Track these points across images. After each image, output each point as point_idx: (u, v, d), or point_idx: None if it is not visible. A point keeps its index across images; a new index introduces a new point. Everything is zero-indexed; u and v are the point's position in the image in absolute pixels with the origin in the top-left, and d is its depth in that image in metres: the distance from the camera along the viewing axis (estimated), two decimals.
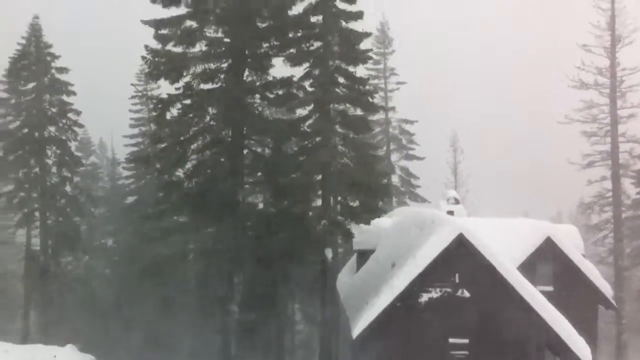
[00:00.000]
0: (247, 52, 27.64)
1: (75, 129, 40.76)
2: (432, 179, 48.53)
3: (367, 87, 30.04)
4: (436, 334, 24.53)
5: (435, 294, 24.81)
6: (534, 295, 24.94)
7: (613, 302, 32.17)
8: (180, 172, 28.43)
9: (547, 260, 30.55)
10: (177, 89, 27.27)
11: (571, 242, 31.75)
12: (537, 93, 76.63)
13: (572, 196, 54.23)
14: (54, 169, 40.65)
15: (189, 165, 28.25)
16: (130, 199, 44.14)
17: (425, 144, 47.93)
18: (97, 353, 29.48)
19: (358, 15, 27.74)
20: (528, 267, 29.10)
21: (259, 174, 28.66)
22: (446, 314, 24.53)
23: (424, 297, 24.72)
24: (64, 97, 40.05)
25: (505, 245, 27.61)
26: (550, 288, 29.46)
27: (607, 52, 43.28)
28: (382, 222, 28.62)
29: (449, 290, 24.88)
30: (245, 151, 28.13)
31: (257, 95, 28.51)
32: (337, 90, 28.55)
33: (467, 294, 24.85)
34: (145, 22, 26.74)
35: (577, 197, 53.60)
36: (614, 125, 43.47)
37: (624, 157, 43.95)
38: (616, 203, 43.30)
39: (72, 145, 41.43)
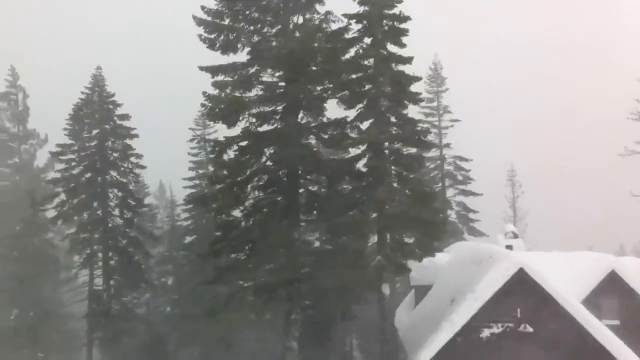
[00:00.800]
0: (301, 95, 28.22)
1: (137, 171, 42.11)
2: (491, 214, 48.19)
3: (419, 127, 30.26)
4: None
5: (497, 329, 24.57)
6: (600, 329, 24.45)
7: None
8: (237, 212, 28.98)
9: (612, 294, 29.75)
10: (234, 132, 28.01)
11: (636, 275, 30.99)
12: (598, 125, 75.54)
13: (635, 229, 52.96)
14: (115, 211, 41.95)
15: (246, 204, 28.80)
16: (189, 239, 45.09)
17: (482, 179, 47.78)
18: None
19: (408, 60, 28.14)
20: (592, 301, 28.44)
21: (314, 212, 28.98)
22: (509, 349, 24.31)
23: (486, 333, 24.51)
24: (127, 141, 41.52)
25: (567, 279, 27.17)
26: (616, 322, 28.70)
27: None
28: (440, 258, 28.56)
29: (510, 325, 24.61)
30: (300, 190, 28.55)
31: (312, 136, 29.03)
32: (390, 129, 28.82)
33: (530, 329, 24.52)
34: (203, 69, 27.67)
35: None
36: None
37: None
38: None
39: (132, 187, 42.73)
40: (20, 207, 42.76)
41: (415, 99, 29.13)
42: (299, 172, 28.25)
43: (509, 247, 29.47)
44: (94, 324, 41.02)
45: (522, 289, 24.51)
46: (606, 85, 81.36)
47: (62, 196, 41.26)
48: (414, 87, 28.92)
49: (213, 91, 28.01)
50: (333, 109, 29.15)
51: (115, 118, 41.47)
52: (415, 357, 24.14)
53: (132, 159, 41.83)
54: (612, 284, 29.74)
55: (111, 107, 41.41)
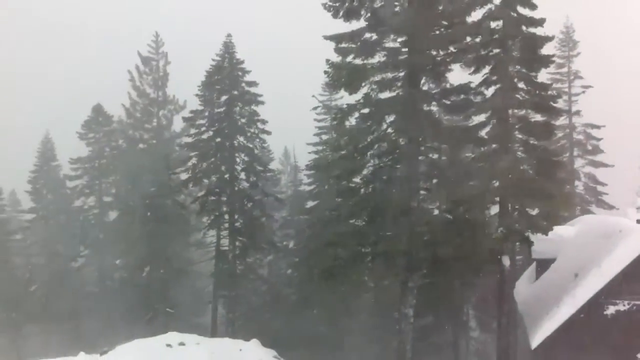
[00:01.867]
0: (424, 61, 27.86)
1: (263, 136, 43.42)
2: (622, 186, 45.62)
3: (549, 92, 29.07)
4: (623, 349, 23.58)
5: (623, 306, 23.69)
6: None
7: None
8: (357, 179, 29.28)
9: None
10: (356, 99, 28.15)
11: None
12: None
13: None
14: (242, 175, 43.52)
15: (365, 171, 29.01)
16: (311, 203, 46.10)
17: (615, 150, 45.29)
18: (279, 349, 31.04)
19: (539, 22, 27.02)
20: None
21: (434, 180, 28.74)
22: (635, 327, 23.50)
23: (611, 310, 23.72)
24: (254, 107, 42.85)
25: None
26: None
27: None
28: (564, 231, 27.66)
29: (638, 303, 23.63)
30: (420, 158, 28.36)
31: (434, 103, 28.65)
32: (517, 95, 27.93)
33: None
34: (327, 37, 27.91)
35: None
36: None
37: None
38: None
39: (258, 152, 44.13)
40: (156, 170, 45.15)
41: (547, 61, 27.93)
42: (420, 139, 27.98)
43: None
44: (220, 282, 42.92)
45: None
46: None
47: (194, 160, 43.12)
48: (545, 49, 27.83)
49: (336, 59, 28.23)
50: (457, 75, 28.58)
51: (244, 84, 42.67)
52: (535, 331, 23.80)
53: (259, 125, 43.07)
54: None
55: (240, 73, 42.63)
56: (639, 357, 23.54)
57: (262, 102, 42.71)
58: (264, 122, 43.02)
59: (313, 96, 44.24)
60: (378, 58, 28.12)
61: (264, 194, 44.25)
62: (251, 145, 43.34)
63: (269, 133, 43.39)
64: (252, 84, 42.73)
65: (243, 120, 43.12)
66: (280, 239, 49.89)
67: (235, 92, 42.64)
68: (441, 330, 28.67)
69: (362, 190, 28.88)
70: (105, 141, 50.50)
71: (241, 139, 43.12)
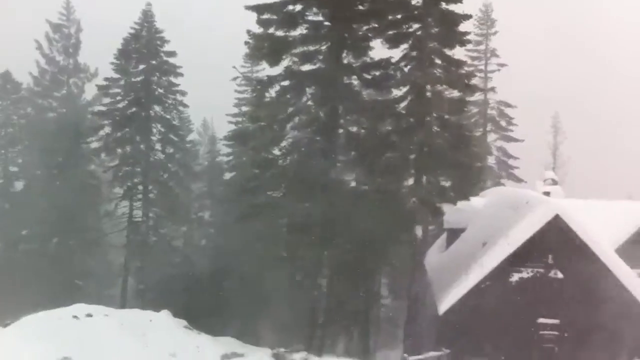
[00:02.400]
0: (346, 35, 28.21)
1: (180, 108, 42.89)
2: (531, 160, 47.91)
3: (465, 69, 30.05)
4: (525, 314, 24.87)
5: (527, 274, 25.01)
6: (631, 279, 24.76)
7: None
8: (276, 150, 29.45)
9: None
10: (278, 71, 28.24)
11: None
12: None
13: None
14: (157, 146, 42.91)
15: (284, 143, 29.21)
16: (228, 175, 45.97)
17: (525, 125, 47.43)
18: (191, 320, 30.93)
19: (457, 0, 27.83)
20: (627, 250, 28.46)
21: (353, 152, 29.24)
22: (537, 294, 24.86)
23: (515, 277, 24.97)
24: (172, 79, 42.18)
25: (604, 227, 27.18)
26: None
27: None
28: (475, 202, 28.81)
29: (541, 270, 25.01)
30: (340, 130, 28.81)
31: (354, 76, 29.08)
32: (434, 71, 28.76)
33: (560, 275, 24.91)
34: (249, 8, 27.76)
35: None
36: None
37: None
38: None
39: (176, 123, 43.57)
40: (65, 139, 43.79)
41: (463, 39, 28.85)
42: (339, 112, 28.44)
43: (547, 193, 29.53)
44: (132, 253, 42.33)
45: (556, 236, 24.81)
46: None
47: (107, 129, 42.16)
48: (463, 27, 28.62)
49: (258, 30, 28.18)
50: (378, 50, 29.15)
51: (162, 54, 41.93)
52: (443, 298, 24.74)
53: (177, 96, 42.56)
54: None
55: (159, 43, 41.84)
56: (539, 321, 24.98)
57: (181, 74, 42.16)
58: (182, 93, 42.55)
59: (234, 67, 43.91)
60: (300, 30, 28.26)
61: (180, 165, 43.78)
62: (168, 116, 42.83)
63: (186, 106, 42.93)
64: (171, 54, 42.04)
65: (161, 91, 42.44)
66: (197, 210, 49.53)
67: (154, 62, 41.85)
68: (354, 298, 29.35)
69: (280, 161, 29.07)
70: (12, 109, 48.30)
71: (158, 109, 42.49)
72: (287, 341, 29.61)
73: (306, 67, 28.64)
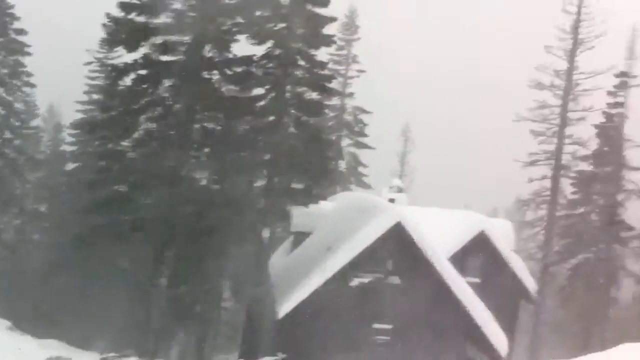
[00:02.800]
0: (210, 28, 27.85)
1: (25, 89, 40.48)
2: (380, 167, 49.56)
3: (326, 72, 30.50)
4: (362, 319, 25.48)
5: (366, 279, 25.76)
6: (461, 287, 26.29)
7: (535, 296, 33.95)
8: (126, 142, 28.49)
9: (478, 253, 31.79)
10: (134, 59, 27.42)
11: (504, 236, 33.17)
12: (498, 91, 78.16)
13: (510, 193, 55.91)
14: None
15: (136, 135, 28.13)
16: (72, 165, 43.68)
17: (377, 131, 48.85)
18: (17, 320, 29.12)
19: (324, 3, 28.15)
20: (460, 258, 30.30)
21: (206, 149, 28.80)
22: (373, 299, 25.52)
23: (355, 282, 25.46)
24: (19, 58, 39.74)
25: (441, 235, 28.63)
26: (477, 280, 30.91)
27: (567, 55, 44.69)
28: (323, 206, 29.32)
29: (380, 276, 25.82)
30: (195, 126, 28.34)
31: (215, 71, 28.75)
32: (295, 72, 28.97)
33: (396, 281, 25.98)
34: None
35: (514, 194, 55.47)
36: (562, 126, 45.06)
37: (567, 158, 45.68)
38: (552, 202, 45.13)
39: (19, 107, 41.12)
40: None
41: (328, 41, 29.31)
42: (196, 107, 28.03)
43: (392, 200, 30.74)
44: None
45: (396, 242, 25.72)
46: (512, 52, 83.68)
47: None
48: (327, 30, 28.89)
49: (118, 13, 27.26)
50: (241, 47, 29.00)
51: (11, 32, 39.19)
52: (283, 302, 24.83)
53: (23, 77, 40.18)
54: (480, 244, 31.83)
55: (8, 19, 38.98)
56: (374, 326, 25.98)
57: (29, 53, 39.82)
58: (29, 74, 40.20)
59: (87, 51, 41.90)
60: (163, 19, 27.59)
61: (19, 152, 41.25)
62: (11, 99, 40.21)
63: (33, 86, 40.61)
64: (21, 31, 39.39)
65: (5, 71, 39.67)
66: (33, 202, 46.80)
67: (1, 39, 39.10)
68: (194, 300, 28.73)
69: (130, 154, 28.18)
70: None
71: (1, 90, 39.71)
72: (121, 345, 28.78)
73: (166, 58, 28.01)
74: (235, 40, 28.50)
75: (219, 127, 28.26)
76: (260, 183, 28.56)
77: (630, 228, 45.61)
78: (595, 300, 41.94)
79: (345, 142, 48.33)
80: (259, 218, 27.08)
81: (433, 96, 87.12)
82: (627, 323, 38.80)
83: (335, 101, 46.17)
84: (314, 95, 29.89)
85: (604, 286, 43.94)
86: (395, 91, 78.43)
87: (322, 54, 30.07)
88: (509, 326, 28.99)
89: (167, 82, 27.84)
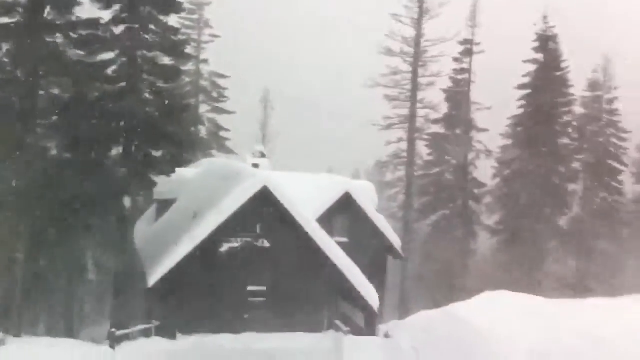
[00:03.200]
0: None
1: None
2: (242, 133, 49.08)
3: (179, 37, 29.44)
4: (235, 282, 25.43)
5: (236, 243, 25.53)
6: (330, 247, 26.46)
7: (401, 252, 34.94)
8: None
9: (344, 213, 32.41)
10: None
11: (367, 197, 33.88)
12: (351, 57, 79.04)
13: (370, 155, 57.27)
14: None
15: None
16: None
17: (237, 98, 48.09)
18: None
19: None
20: (327, 220, 30.67)
21: (55, 117, 26.92)
22: (246, 263, 25.49)
23: (225, 247, 25.34)
24: None
25: (308, 198, 28.81)
26: (345, 239, 31.34)
27: (414, 23, 46.27)
28: (186, 173, 28.53)
29: (249, 240, 25.71)
30: (41, 92, 26.30)
31: (59, 35, 26.70)
32: (146, 37, 27.68)
33: (267, 244, 25.81)
34: None
35: (374, 156, 56.89)
36: (414, 91, 46.83)
37: (420, 121, 47.55)
38: (409, 163, 46.95)
39: None
40: None
41: (177, 7, 28.17)
42: (40, 72, 25.93)
43: (256, 165, 30.35)
44: None
45: (264, 206, 25.64)
46: (364, 18, 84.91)
47: None
48: None
49: None
50: (88, 10, 27.16)
51: None
52: (153, 270, 24.24)
53: None
54: (345, 205, 32.33)
55: None
56: (249, 289, 25.71)
57: None
58: None
59: None
60: None
61: None
62: None
63: None
64: None
65: None
66: None
67: None
68: (56, 274, 27.13)
69: None
70: None
71: None
72: None
73: (3, 20, 25.61)
74: (78, 3, 26.57)
75: (67, 94, 26.32)
76: (117, 152, 27.00)
77: (482, 185, 48.25)
78: (455, 254, 43.93)
79: (204, 108, 47.16)
80: (119, 187, 25.66)
81: (293, 60, 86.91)
82: (486, 273, 40.94)
83: (190, 66, 44.97)
84: (168, 61, 28.80)
85: (462, 240, 46.27)
86: (255, 55, 77.62)
87: (174, 18, 29.09)
88: (378, 282, 29.45)
89: (5, 46, 25.45)
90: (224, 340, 23.97)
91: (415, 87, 47.04)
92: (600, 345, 23.89)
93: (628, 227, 50.87)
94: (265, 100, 50.27)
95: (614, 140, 49.12)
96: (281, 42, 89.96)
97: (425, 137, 48.47)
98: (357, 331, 26.35)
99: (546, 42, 46.22)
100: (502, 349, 22.87)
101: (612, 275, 47.45)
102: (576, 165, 48.56)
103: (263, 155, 34.20)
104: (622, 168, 50.08)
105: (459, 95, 47.83)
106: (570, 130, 48.05)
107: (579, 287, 44.71)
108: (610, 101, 49.10)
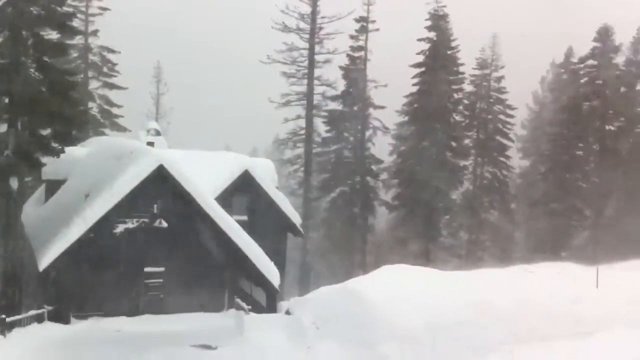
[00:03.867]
0: None
1: None
2: (135, 110, 47.60)
3: (65, 9, 27.96)
4: (132, 264, 24.82)
5: (132, 224, 24.81)
6: (230, 225, 26.16)
7: (301, 229, 35.08)
8: None
9: (244, 192, 32.16)
10: None
11: (266, 175, 33.66)
12: (248, 34, 78.27)
13: (268, 132, 57.17)
14: None
15: None
16: None
17: (130, 74, 46.32)
18: None
19: None
20: (226, 198, 30.34)
21: None
22: (142, 244, 24.93)
23: (120, 228, 24.61)
24: None
25: (205, 177, 28.30)
26: (245, 217, 31.17)
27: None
28: (76, 152, 27.34)
29: (146, 220, 25.05)
30: None
31: None
32: (31, 9, 26.09)
33: (164, 224, 25.22)
34: None
35: (273, 133, 56.81)
36: (311, 68, 46.82)
37: (318, 98, 47.66)
38: (308, 140, 47.04)
39: None
40: None
41: None
42: None
43: (151, 143, 29.48)
44: None
45: (160, 186, 25.01)
46: None
47: None
48: None
49: None
50: None
51: None
52: (44, 253, 23.21)
53: None
54: (245, 183, 32.03)
55: None
56: (146, 270, 25.09)
57: None
58: None
59: None
60: None
61: None
62: None
63: None
64: None
65: None
66: None
67: None
68: None
69: None
70: None
71: None
72: None
73: None
74: None
75: None
76: (2, 130, 25.45)
77: (379, 161, 49.09)
78: (354, 229, 44.61)
79: (94, 84, 45.06)
80: (5, 167, 24.25)
81: (187, 35, 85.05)
82: (384, 247, 41.86)
83: (78, 40, 42.86)
84: (54, 35, 27.36)
85: (361, 215, 47.00)
86: (148, 29, 75.25)
87: None
88: (278, 260, 29.44)
89: None
90: (121, 323, 23.33)
91: (312, 64, 47.04)
92: (491, 314, 25.03)
93: (515, 200, 53.39)
94: (158, 76, 48.93)
95: (502, 116, 51.03)
96: (175, 15, 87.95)
97: (323, 114, 48.63)
98: (258, 309, 26.28)
99: (438, 21, 47.28)
100: (401, 322, 23.47)
101: (501, 246, 49.82)
102: (467, 141, 50.21)
103: (158, 133, 33.21)
104: (510, 144, 52.20)
105: (355, 72, 48.16)
106: (461, 107, 49.56)
107: (471, 258, 46.64)
108: (498, 79, 50.85)
